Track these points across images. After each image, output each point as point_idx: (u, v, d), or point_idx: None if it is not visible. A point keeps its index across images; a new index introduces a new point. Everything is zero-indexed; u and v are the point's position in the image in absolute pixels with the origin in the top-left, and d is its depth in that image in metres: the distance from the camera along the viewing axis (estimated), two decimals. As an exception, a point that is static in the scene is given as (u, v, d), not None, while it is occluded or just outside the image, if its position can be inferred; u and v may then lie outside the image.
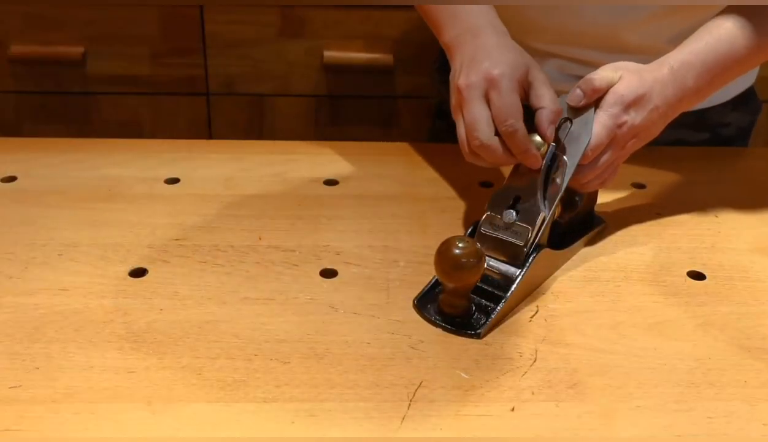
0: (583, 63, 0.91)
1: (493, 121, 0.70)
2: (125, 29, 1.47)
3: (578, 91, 0.71)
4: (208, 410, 0.58)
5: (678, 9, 0.86)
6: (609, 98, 0.71)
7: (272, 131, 1.58)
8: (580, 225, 0.79)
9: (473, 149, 0.71)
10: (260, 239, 0.78)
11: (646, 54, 0.83)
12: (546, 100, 0.71)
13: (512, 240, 0.70)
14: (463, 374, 0.62)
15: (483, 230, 0.72)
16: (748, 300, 0.71)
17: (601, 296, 0.71)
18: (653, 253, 0.78)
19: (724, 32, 0.76)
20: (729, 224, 0.82)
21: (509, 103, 0.69)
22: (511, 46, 0.74)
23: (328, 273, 0.73)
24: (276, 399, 0.59)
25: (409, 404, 0.59)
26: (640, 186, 0.89)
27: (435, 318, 0.67)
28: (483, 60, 0.71)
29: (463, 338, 0.66)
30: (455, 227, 0.80)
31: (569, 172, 0.70)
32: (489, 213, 0.72)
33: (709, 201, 0.86)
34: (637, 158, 0.93)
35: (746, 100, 1.00)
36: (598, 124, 0.71)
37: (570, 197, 0.77)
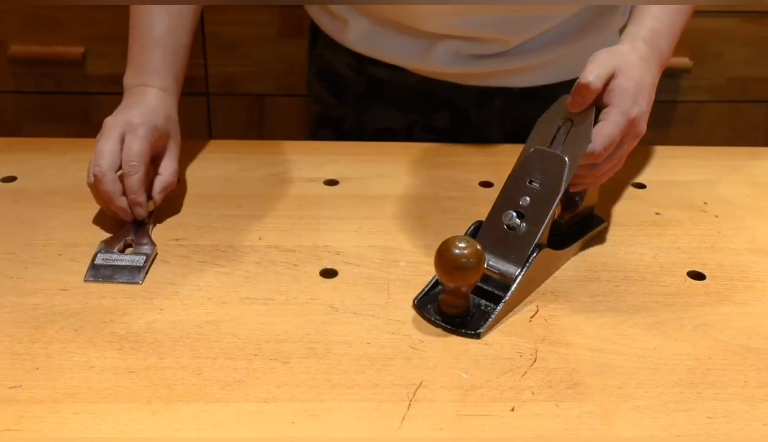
0: (477, 40, 0.91)
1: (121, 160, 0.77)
2: (125, 29, 1.47)
3: (576, 98, 0.71)
4: (208, 410, 0.58)
5: None
6: (615, 95, 0.71)
7: (272, 131, 1.58)
8: (580, 225, 0.79)
9: (91, 176, 0.76)
10: (260, 239, 0.78)
11: (538, 12, 0.84)
12: (168, 170, 0.81)
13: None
14: (463, 374, 0.62)
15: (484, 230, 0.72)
16: (748, 300, 0.71)
17: (601, 296, 0.71)
18: (653, 253, 0.78)
19: None
20: (729, 223, 0.82)
21: (139, 148, 0.77)
22: (166, 111, 0.83)
23: (328, 273, 0.73)
24: (276, 399, 0.59)
25: (409, 404, 0.59)
26: (640, 186, 0.89)
27: (435, 318, 0.67)
28: (132, 109, 0.81)
29: (463, 338, 0.66)
30: (455, 227, 0.80)
31: (569, 171, 0.70)
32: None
33: (709, 201, 0.86)
34: (637, 158, 0.94)
35: None
36: (610, 123, 0.70)
37: (570, 197, 0.77)
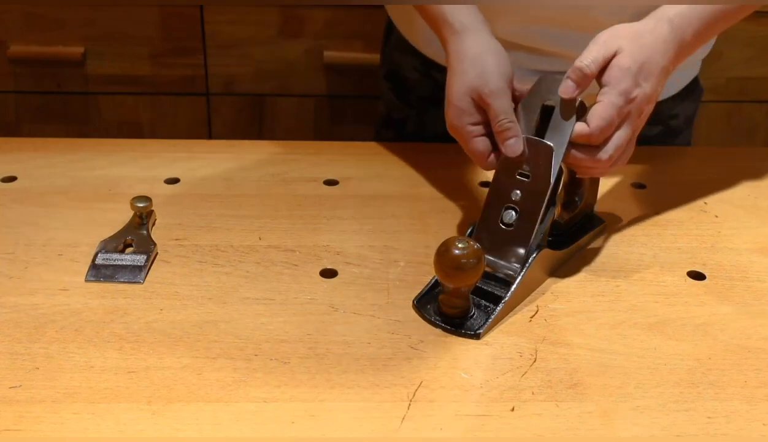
0: (541, 53, 0.89)
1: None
2: (125, 29, 1.47)
3: (569, 82, 0.69)
4: (208, 410, 0.58)
5: None
6: (614, 74, 0.69)
7: (272, 131, 1.58)
8: (580, 225, 0.79)
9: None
10: (260, 239, 0.78)
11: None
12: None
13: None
14: (463, 374, 0.62)
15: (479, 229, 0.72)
16: (748, 300, 0.71)
17: (601, 296, 0.71)
18: (653, 253, 0.78)
19: None
20: (729, 223, 0.82)
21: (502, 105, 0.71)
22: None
23: (328, 273, 0.73)
24: (276, 399, 0.59)
25: (409, 404, 0.59)
26: (640, 186, 0.89)
27: (435, 318, 0.67)
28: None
29: (463, 338, 0.66)
30: (455, 227, 0.80)
31: (557, 159, 0.69)
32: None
33: (709, 201, 0.86)
34: (637, 158, 0.93)
35: (693, 88, 1.00)
36: (607, 104, 0.68)
37: (570, 197, 0.77)
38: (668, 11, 0.73)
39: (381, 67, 1.09)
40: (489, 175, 0.89)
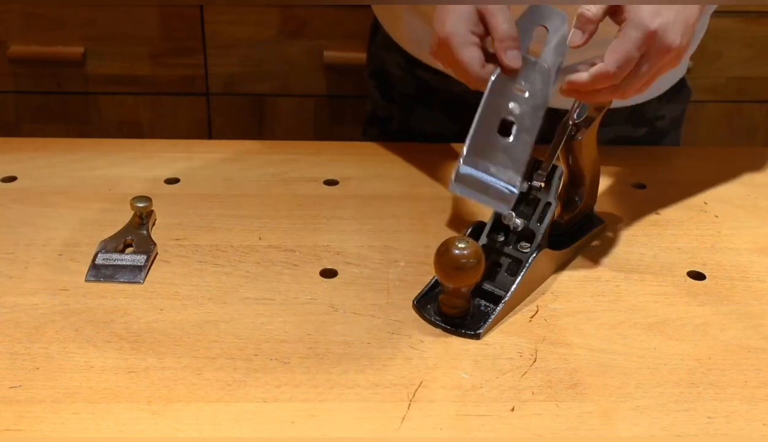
0: None
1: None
2: (125, 29, 1.47)
3: (576, 30, 0.66)
4: (208, 410, 0.58)
5: None
6: (632, 9, 0.65)
7: (272, 131, 1.58)
8: (580, 225, 0.79)
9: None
10: (260, 239, 0.78)
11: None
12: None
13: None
14: (463, 374, 0.62)
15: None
16: (748, 300, 0.71)
17: (601, 296, 0.71)
18: (653, 253, 0.78)
19: None
20: (729, 223, 0.82)
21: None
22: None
23: (328, 273, 0.73)
24: (276, 399, 0.59)
25: (409, 404, 0.59)
26: (640, 186, 0.89)
27: (435, 318, 0.67)
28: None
29: (463, 338, 0.66)
30: (455, 227, 0.80)
31: (552, 82, 0.67)
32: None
33: (709, 201, 0.86)
34: (637, 158, 0.94)
35: (680, 89, 0.99)
36: (626, 39, 0.64)
37: (570, 197, 0.77)
38: None
39: (367, 65, 1.09)
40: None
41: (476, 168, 0.69)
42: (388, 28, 0.99)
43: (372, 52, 1.07)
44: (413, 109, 1.02)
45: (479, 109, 0.69)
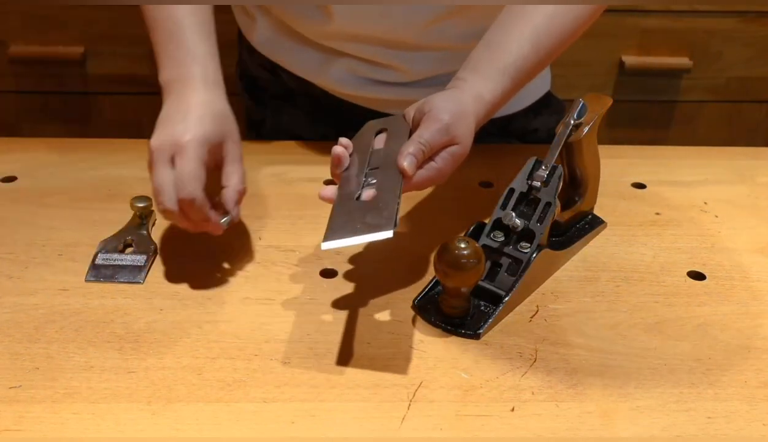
0: (375, 64, 0.88)
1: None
2: (125, 29, 1.47)
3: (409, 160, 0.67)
4: (208, 410, 0.58)
5: (465, 9, 0.82)
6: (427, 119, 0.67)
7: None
8: (580, 225, 0.79)
9: (160, 212, 0.69)
10: (260, 239, 0.78)
11: (438, 51, 0.82)
12: (233, 180, 0.71)
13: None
14: (463, 374, 0.62)
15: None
16: (748, 300, 0.71)
17: (601, 296, 0.71)
18: (653, 253, 0.78)
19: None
20: (729, 223, 0.82)
21: (190, 171, 0.67)
22: (214, 111, 0.71)
23: (328, 273, 0.73)
24: (276, 399, 0.59)
25: (409, 404, 0.59)
26: (640, 186, 0.89)
27: (435, 318, 0.67)
28: (177, 122, 0.69)
29: (463, 338, 0.66)
30: (455, 227, 0.80)
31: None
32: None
33: (709, 201, 0.86)
34: (637, 158, 0.94)
35: (548, 103, 0.98)
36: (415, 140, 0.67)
37: (570, 197, 0.77)
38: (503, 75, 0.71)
39: (236, 67, 1.05)
40: (489, 175, 0.89)
41: (342, 237, 0.63)
42: (245, 30, 0.97)
43: (239, 54, 1.04)
44: (282, 110, 1.01)
45: (335, 201, 0.67)
